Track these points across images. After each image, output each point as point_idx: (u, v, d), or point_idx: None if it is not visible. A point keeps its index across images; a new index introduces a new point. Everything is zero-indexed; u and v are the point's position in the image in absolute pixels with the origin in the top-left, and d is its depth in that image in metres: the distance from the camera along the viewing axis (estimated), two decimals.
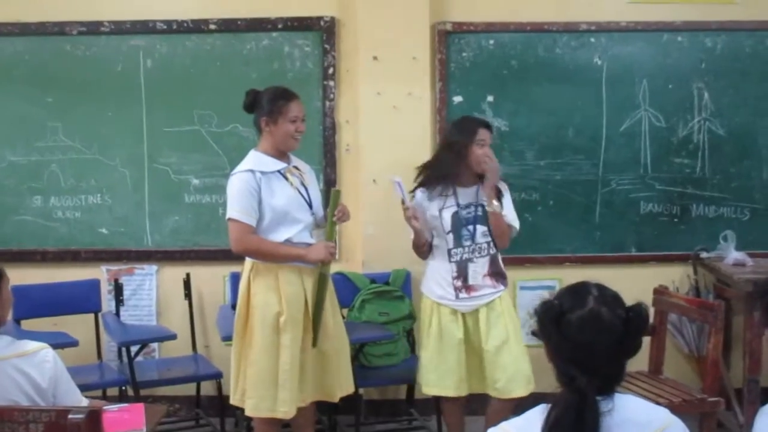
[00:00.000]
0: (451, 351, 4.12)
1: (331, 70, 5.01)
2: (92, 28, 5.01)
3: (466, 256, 4.12)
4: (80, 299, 4.88)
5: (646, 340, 4.51)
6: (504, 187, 4.22)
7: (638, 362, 4.43)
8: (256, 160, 3.90)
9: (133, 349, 4.53)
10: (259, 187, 3.83)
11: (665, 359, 4.56)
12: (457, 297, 4.11)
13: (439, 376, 4.16)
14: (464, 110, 4.98)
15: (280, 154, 3.94)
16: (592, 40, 5.05)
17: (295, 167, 4.00)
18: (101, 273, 5.07)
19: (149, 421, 2.98)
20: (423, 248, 4.25)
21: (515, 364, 4.07)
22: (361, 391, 4.70)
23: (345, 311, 4.87)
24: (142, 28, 5.02)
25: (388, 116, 4.93)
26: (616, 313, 2.00)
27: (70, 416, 2.43)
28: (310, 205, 3.96)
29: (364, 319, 4.80)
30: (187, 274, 4.98)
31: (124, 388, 4.65)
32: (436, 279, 4.19)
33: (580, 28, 5.03)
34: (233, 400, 3.99)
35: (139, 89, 5.04)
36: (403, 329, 4.85)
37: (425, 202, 4.19)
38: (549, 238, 5.12)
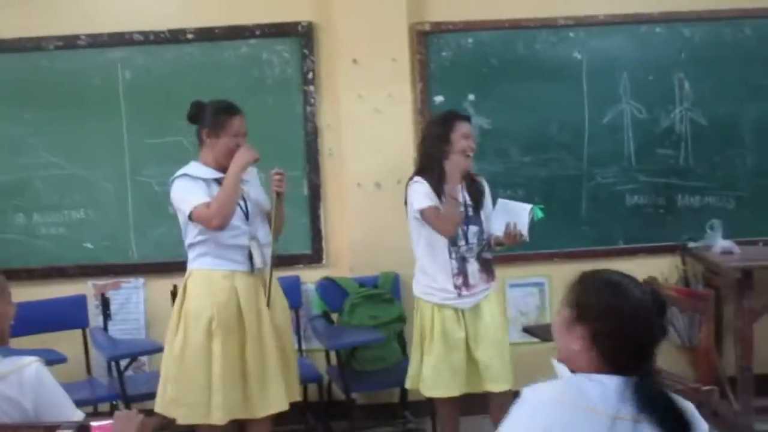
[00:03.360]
0: (457, 352, 4.05)
1: (310, 75, 4.99)
2: (69, 42, 4.98)
3: (461, 255, 4.07)
4: (68, 315, 4.83)
5: None
6: (484, 186, 4.20)
7: None
8: (190, 167, 3.91)
9: (123, 363, 4.50)
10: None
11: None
12: (459, 295, 4.05)
13: (446, 378, 4.07)
14: (446, 110, 4.97)
15: (220, 167, 3.89)
16: (571, 34, 5.06)
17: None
18: (88, 288, 5.03)
19: None
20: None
21: (506, 358, 4.09)
22: (354, 395, 4.69)
23: (335, 316, 4.87)
24: (119, 40, 4.98)
25: (370, 119, 4.91)
26: (649, 297, 2.05)
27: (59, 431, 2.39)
28: (247, 216, 3.92)
29: (354, 323, 4.77)
30: (174, 286, 4.92)
31: (115, 402, 4.61)
32: (434, 278, 4.09)
33: (559, 23, 5.03)
34: (159, 408, 3.95)
35: (119, 102, 5.00)
36: (393, 332, 4.82)
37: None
38: (536, 235, 5.01)
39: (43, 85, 5.01)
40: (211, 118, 3.89)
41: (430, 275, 4.12)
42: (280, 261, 4.95)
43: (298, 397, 4.09)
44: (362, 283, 4.91)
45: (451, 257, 4.06)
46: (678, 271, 5.07)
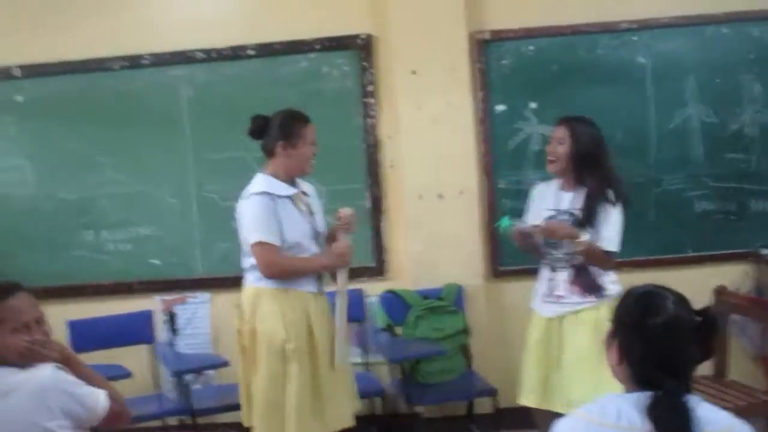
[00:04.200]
0: (528, 355, 3.96)
1: (370, 87, 4.99)
2: (133, 62, 5.09)
3: (553, 264, 3.94)
4: (135, 331, 4.87)
5: None
6: (606, 205, 3.82)
7: (701, 366, 4.32)
8: (268, 183, 3.75)
9: (188, 377, 4.54)
10: (276, 211, 3.69)
11: (731, 361, 4.41)
12: (543, 300, 3.94)
13: (522, 381, 4.00)
14: (507, 119, 4.94)
15: (290, 180, 3.81)
16: (634, 38, 4.95)
17: (303, 193, 3.87)
18: (155, 303, 5.10)
19: None
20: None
21: (591, 382, 3.74)
22: (419, 409, 4.65)
23: (399, 329, 4.84)
24: (182, 58, 5.07)
25: (430, 130, 4.88)
26: (692, 317, 2.00)
27: None
28: (316, 234, 3.84)
29: (418, 335, 4.74)
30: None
31: (182, 417, 4.66)
32: (537, 287, 4.02)
33: (621, 27, 4.93)
34: (247, 422, 3.86)
35: (182, 119, 5.09)
36: (458, 344, 4.78)
37: (537, 196, 4.07)
38: None
39: (108, 104, 5.13)
40: (283, 128, 3.77)
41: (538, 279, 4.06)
42: None
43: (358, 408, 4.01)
44: (425, 295, 4.87)
45: (545, 261, 3.98)
46: (750, 279, 4.90)
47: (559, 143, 3.90)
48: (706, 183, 4.97)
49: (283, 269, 3.74)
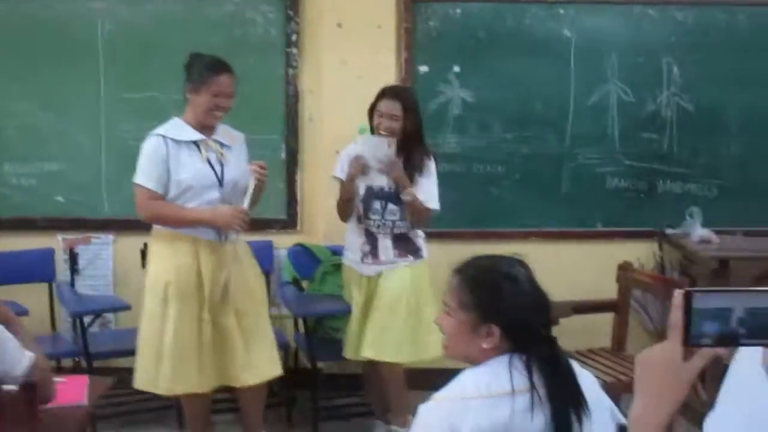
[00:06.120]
0: (354, 314, 4.16)
1: (294, 37, 4.89)
2: None
3: (373, 230, 4.09)
4: (34, 268, 4.74)
5: (609, 317, 4.45)
6: (429, 165, 4.09)
7: (601, 339, 4.42)
8: (171, 126, 3.74)
9: (87, 319, 4.43)
10: (167, 155, 3.66)
11: (629, 336, 4.51)
12: (362, 260, 4.13)
13: (350, 339, 4.21)
14: (430, 80, 4.91)
15: (202, 126, 3.75)
16: (562, 11, 4.96)
17: (217, 141, 3.80)
18: (57, 242, 4.95)
19: (93, 393, 2.89)
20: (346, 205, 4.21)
21: (395, 329, 4.03)
22: (320, 365, 4.64)
23: (306, 283, 4.80)
24: None
25: (353, 85, 4.81)
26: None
27: (2, 387, 2.33)
28: (221, 183, 3.77)
29: (325, 291, 4.71)
30: (145, 244, 4.86)
31: (77, 359, 4.55)
32: (350, 243, 4.22)
33: None
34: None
35: (97, 54, 4.90)
36: None
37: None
38: (514, 212, 5.05)
39: (22, 32, 4.90)
40: (196, 72, 3.72)
41: (348, 237, 4.31)
42: (254, 225, 4.90)
43: (275, 372, 3.96)
44: (335, 251, 4.83)
45: (359, 225, 4.19)
46: (655, 257, 5.00)
47: (394, 120, 3.98)
48: (620, 160, 5.05)
49: (153, 215, 3.75)
